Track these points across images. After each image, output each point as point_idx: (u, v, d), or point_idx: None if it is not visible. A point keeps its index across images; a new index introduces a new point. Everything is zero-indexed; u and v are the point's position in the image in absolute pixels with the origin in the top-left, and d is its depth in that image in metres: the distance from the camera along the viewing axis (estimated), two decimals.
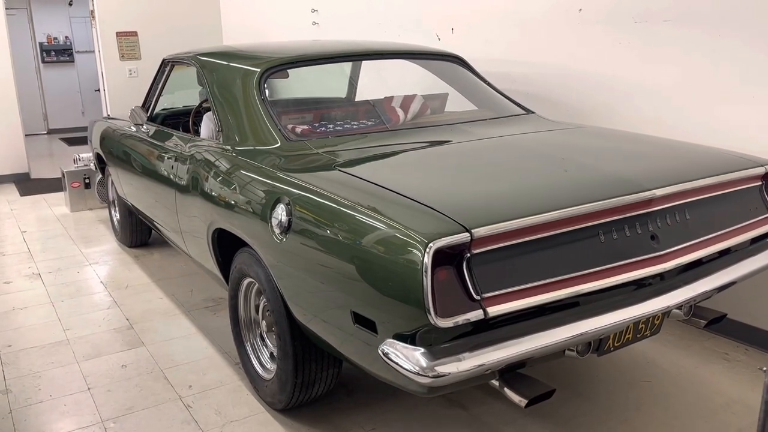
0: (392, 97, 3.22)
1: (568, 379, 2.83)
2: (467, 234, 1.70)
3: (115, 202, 5.00)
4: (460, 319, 1.68)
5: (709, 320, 2.32)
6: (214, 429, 2.56)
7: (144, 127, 3.93)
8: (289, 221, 2.18)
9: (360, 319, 1.90)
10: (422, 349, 1.72)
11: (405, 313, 1.72)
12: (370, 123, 2.97)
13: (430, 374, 1.66)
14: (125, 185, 4.28)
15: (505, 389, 1.90)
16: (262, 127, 2.71)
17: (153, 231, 4.72)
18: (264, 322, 2.71)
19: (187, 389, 2.86)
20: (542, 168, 2.20)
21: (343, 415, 2.63)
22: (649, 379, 2.83)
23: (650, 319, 2.11)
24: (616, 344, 2.09)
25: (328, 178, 2.22)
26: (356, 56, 3.24)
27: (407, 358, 1.70)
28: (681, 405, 2.64)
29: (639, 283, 2.05)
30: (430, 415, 2.61)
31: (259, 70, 2.89)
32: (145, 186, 3.75)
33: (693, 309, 2.31)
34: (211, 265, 3.02)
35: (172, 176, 3.24)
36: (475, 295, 1.71)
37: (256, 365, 2.76)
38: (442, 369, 1.68)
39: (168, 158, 3.33)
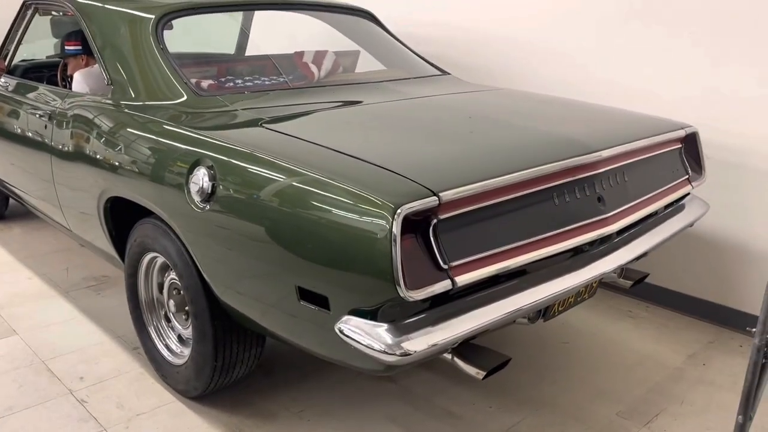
0: (302, 53, 2.98)
1: (490, 345, 2.81)
2: (435, 198, 1.55)
3: None
4: (430, 290, 1.54)
5: (635, 280, 2.37)
6: (119, 425, 2.25)
7: (2, 80, 3.36)
8: (213, 187, 1.91)
9: (307, 295, 1.70)
10: (386, 325, 1.56)
11: (367, 287, 1.55)
12: (282, 79, 2.71)
13: (397, 352, 1.52)
14: None
15: (459, 362, 1.80)
16: (165, 80, 2.37)
17: (12, 201, 4.10)
18: (171, 301, 2.41)
19: (78, 381, 2.50)
20: (490, 130, 2.10)
21: (265, 398, 2.42)
22: (566, 340, 2.89)
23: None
24: (560, 309, 2.07)
25: (256, 138, 1.97)
26: (261, 5, 2.94)
27: (371, 336, 1.54)
28: (599, 362, 2.70)
29: (579, 247, 2.02)
30: (358, 391, 2.47)
31: (153, 16, 2.53)
32: (7, 150, 3.22)
33: (624, 270, 2.35)
34: (101, 239, 2.64)
35: (46, 139, 2.78)
36: (442, 264, 1.57)
37: (162, 350, 2.46)
38: (409, 346, 1.53)
39: (40, 117, 2.86)
